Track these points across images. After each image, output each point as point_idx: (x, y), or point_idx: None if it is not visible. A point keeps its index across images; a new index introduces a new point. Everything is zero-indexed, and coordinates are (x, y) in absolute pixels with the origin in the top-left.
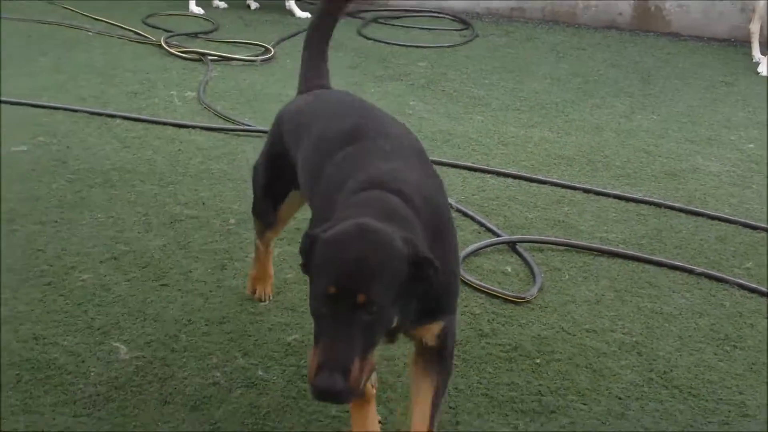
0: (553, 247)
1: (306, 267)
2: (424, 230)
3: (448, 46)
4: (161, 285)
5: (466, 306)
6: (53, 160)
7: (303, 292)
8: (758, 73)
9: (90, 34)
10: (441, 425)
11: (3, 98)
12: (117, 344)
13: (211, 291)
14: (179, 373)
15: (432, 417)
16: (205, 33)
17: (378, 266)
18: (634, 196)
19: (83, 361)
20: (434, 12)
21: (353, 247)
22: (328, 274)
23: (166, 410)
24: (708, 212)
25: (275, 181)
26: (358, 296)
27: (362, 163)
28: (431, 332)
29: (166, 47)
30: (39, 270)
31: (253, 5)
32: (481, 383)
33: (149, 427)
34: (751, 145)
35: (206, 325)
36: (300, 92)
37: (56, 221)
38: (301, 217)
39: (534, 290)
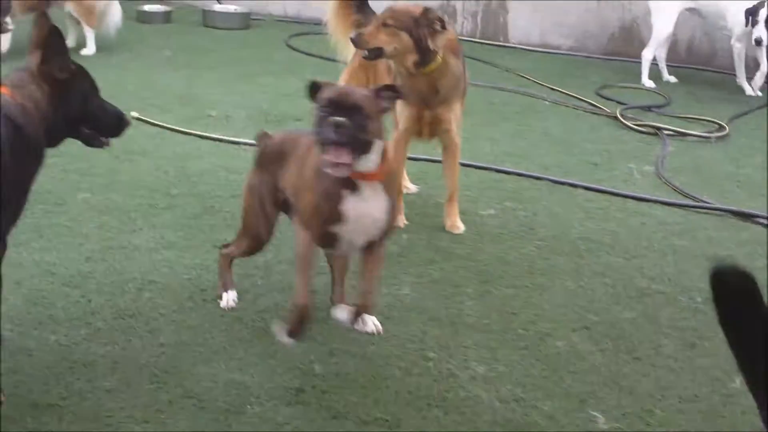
0: None
1: None
2: None
3: None
4: (633, 358)
5: None
6: (521, 226)
7: None
8: None
9: (546, 103)
10: None
11: (472, 162)
12: (595, 413)
13: (681, 368)
14: None
15: None
16: (658, 107)
17: None
18: None
19: (563, 427)
20: None
21: None
22: None
23: None
24: None
25: None
26: None
27: None
28: None
29: (622, 119)
30: (515, 333)
31: (669, 78)
32: None
33: None
34: None
35: (679, 402)
36: None
37: (527, 286)
38: None
39: None
